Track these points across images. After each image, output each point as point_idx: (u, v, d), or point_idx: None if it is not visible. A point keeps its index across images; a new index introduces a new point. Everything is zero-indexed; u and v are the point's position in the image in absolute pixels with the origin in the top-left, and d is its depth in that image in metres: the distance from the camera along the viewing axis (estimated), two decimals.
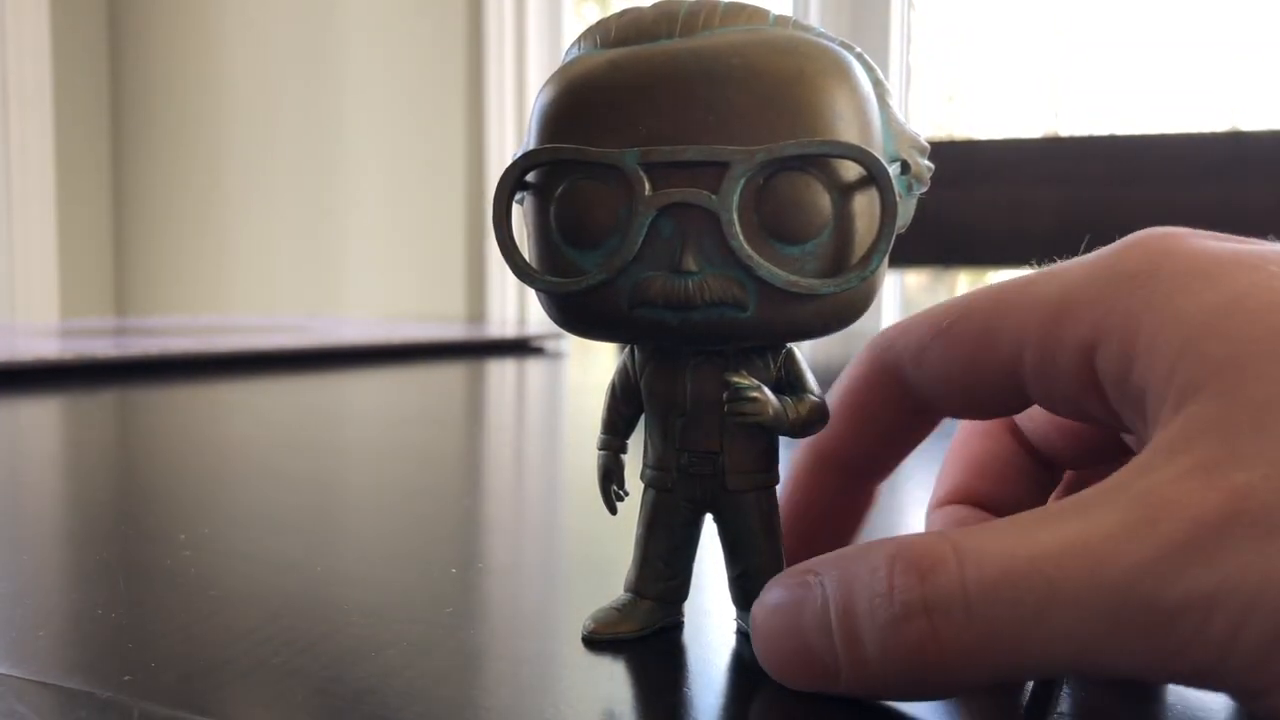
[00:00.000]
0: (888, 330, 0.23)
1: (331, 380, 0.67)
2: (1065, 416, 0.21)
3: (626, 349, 0.22)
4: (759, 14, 0.20)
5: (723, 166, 0.19)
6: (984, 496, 0.26)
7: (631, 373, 0.22)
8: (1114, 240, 0.20)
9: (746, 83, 0.19)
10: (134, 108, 2.38)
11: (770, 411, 0.20)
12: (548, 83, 0.21)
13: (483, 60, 2.00)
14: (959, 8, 1.82)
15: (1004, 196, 0.98)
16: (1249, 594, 0.16)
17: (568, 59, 0.21)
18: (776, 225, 0.19)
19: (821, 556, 0.19)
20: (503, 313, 2.01)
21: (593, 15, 2.04)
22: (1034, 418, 0.25)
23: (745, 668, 0.21)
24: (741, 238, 0.19)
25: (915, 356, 0.22)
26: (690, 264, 0.19)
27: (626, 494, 0.23)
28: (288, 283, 2.23)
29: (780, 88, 0.19)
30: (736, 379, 0.21)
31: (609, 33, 0.21)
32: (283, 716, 0.18)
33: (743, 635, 0.22)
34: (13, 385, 0.59)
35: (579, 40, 0.21)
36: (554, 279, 0.20)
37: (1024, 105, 1.78)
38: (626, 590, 0.22)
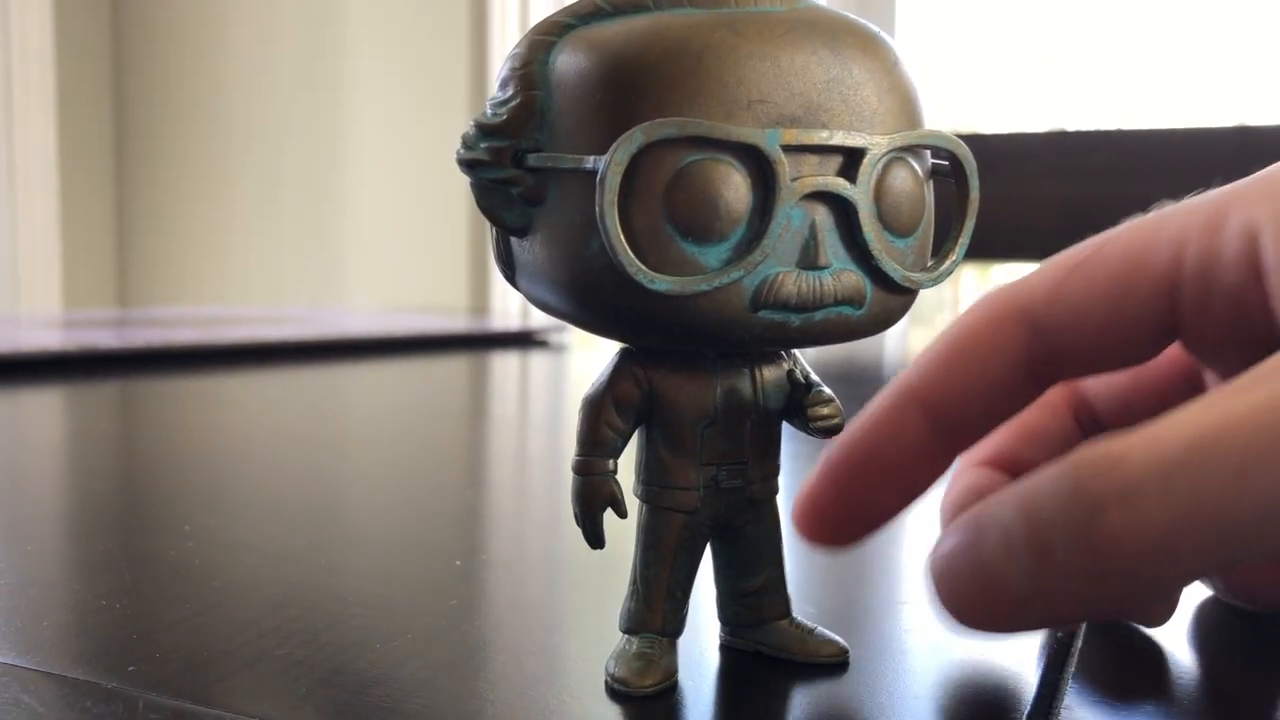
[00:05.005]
0: (1008, 282, 0.21)
1: (334, 372, 0.67)
2: (1214, 340, 0.20)
3: (622, 355, 0.20)
4: None
5: (857, 153, 0.18)
6: (1027, 465, 0.25)
7: (640, 381, 0.19)
8: None
9: (864, 63, 0.18)
10: (136, 98, 2.38)
11: (841, 412, 0.20)
12: (621, 42, 0.18)
13: (486, 50, 2.00)
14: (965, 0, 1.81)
15: (1010, 191, 0.98)
16: None
17: (625, 17, 0.18)
18: (894, 217, 0.18)
19: (981, 502, 0.18)
20: (506, 305, 2.01)
21: None
22: (1110, 383, 0.25)
23: (737, 660, 0.21)
24: (872, 230, 0.18)
25: (1049, 293, 0.20)
26: (827, 258, 0.18)
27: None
28: (290, 274, 2.23)
29: (887, 72, 0.18)
30: (815, 380, 0.20)
31: None
32: (287, 707, 0.18)
33: (735, 652, 0.21)
34: (15, 376, 0.59)
35: None
36: (674, 278, 0.17)
37: (1030, 99, 1.77)
38: (642, 631, 0.19)
